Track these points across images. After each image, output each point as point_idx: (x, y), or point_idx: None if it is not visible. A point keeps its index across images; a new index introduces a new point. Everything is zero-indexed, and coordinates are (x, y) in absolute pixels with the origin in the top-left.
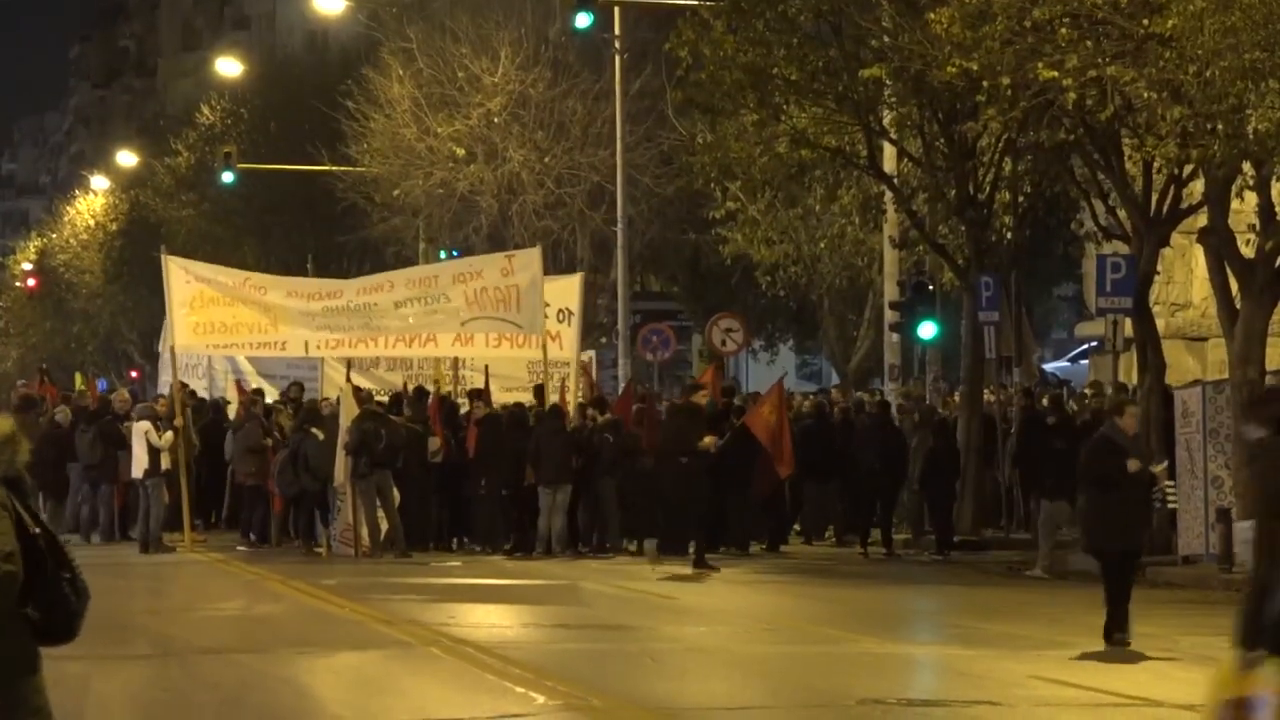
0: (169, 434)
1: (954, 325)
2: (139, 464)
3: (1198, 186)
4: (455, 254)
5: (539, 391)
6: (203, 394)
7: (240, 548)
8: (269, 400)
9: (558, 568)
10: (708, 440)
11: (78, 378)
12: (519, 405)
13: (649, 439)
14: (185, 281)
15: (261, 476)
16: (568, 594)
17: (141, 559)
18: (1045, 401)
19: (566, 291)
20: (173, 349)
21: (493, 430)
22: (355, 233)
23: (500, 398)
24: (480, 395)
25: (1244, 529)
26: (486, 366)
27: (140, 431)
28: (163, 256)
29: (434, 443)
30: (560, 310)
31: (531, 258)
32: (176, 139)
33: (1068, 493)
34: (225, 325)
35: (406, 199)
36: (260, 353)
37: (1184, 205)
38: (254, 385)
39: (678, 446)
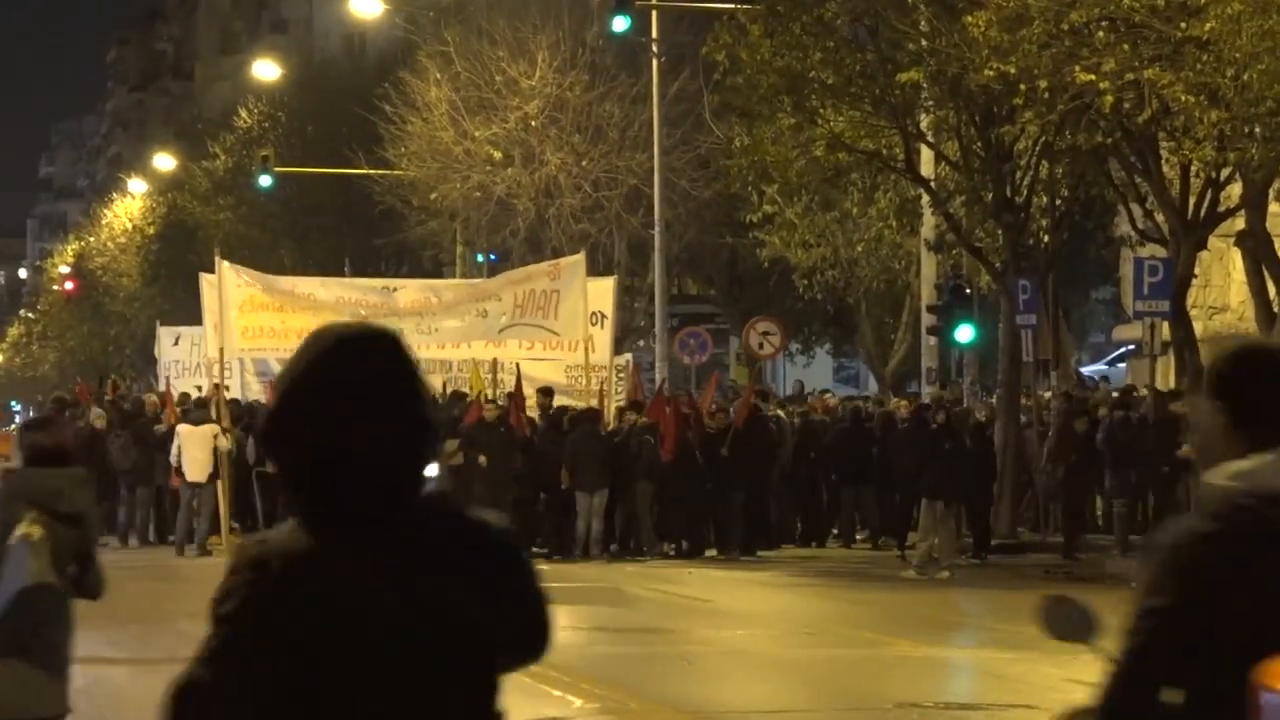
0: (225, 438)
1: (991, 328)
2: (202, 468)
3: (1235, 190)
4: (493, 257)
5: (601, 398)
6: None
7: None
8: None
9: (594, 570)
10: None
11: (114, 380)
12: (561, 409)
13: (669, 444)
14: (237, 286)
15: None
16: (605, 597)
17: (180, 561)
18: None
19: (600, 294)
20: (221, 352)
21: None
22: (392, 236)
23: (537, 401)
24: (514, 398)
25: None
26: (518, 366)
27: (208, 435)
28: (217, 260)
29: (450, 445)
30: (594, 313)
31: (576, 265)
32: (214, 142)
33: (949, 493)
34: (274, 330)
35: (444, 202)
36: (282, 354)
37: (1221, 208)
38: None
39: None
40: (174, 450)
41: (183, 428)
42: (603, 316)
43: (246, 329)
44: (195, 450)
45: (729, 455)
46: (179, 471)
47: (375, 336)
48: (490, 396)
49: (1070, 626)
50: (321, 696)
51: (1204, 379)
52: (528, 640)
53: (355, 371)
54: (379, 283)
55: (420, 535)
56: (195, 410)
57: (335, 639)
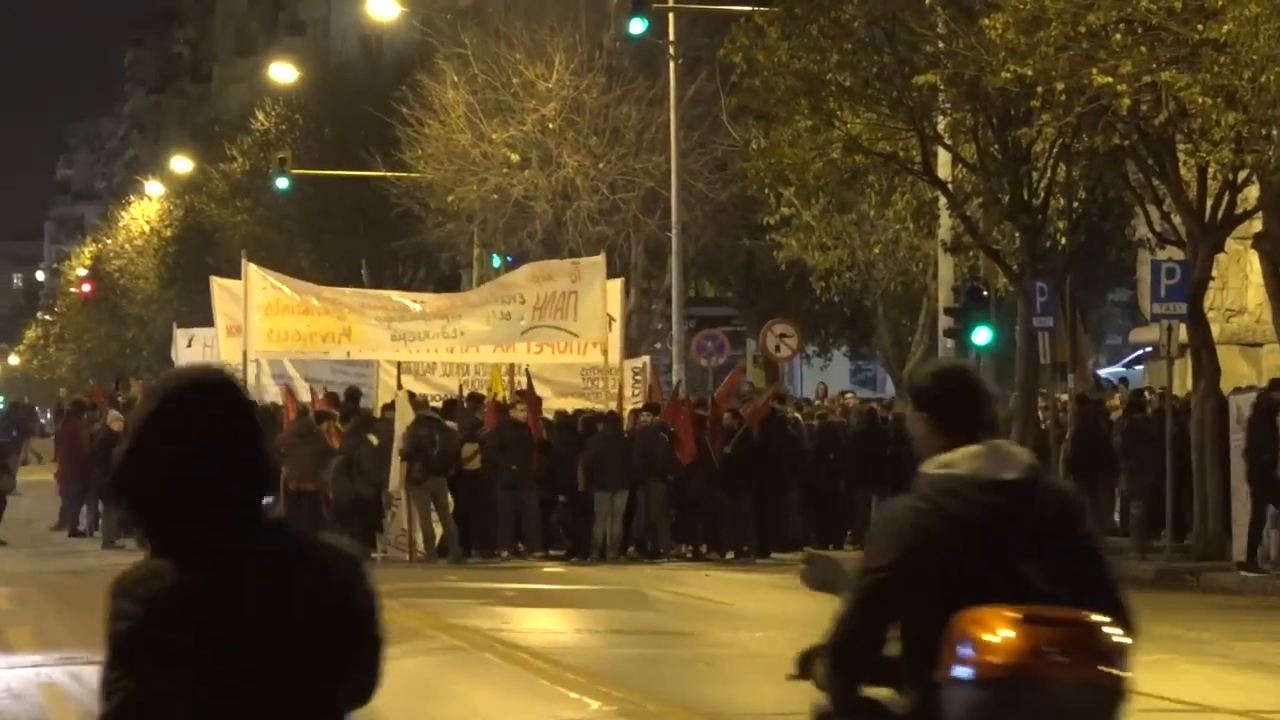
0: None
1: (1008, 331)
2: None
3: (1252, 192)
4: (509, 260)
5: (620, 399)
6: None
7: None
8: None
9: (612, 573)
10: None
11: (133, 384)
12: (578, 411)
13: (685, 446)
14: (262, 289)
15: (317, 483)
16: (622, 599)
17: None
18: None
19: (609, 297)
20: (245, 355)
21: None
22: (410, 238)
23: (553, 404)
24: (523, 397)
25: None
26: (528, 368)
27: None
28: (244, 263)
29: (469, 449)
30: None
31: (596, 266)
32: (231, 144)
33: None
34: (299, 334)
35: (461, 205)
36: (307, 356)
37: (1238, 211)
38: (301, 392)
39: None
40: None
41: None
42: (612, 320)
43: (271, 331)
44: None
45: (734, 456)
46: None
47: (217, 381)
48: (508, 399)
49: (825, 579)
50: (209, 700)
51: (908, 394)
52: (358, 648)
53: (203, 410)
54: (402, 295)
55: (273, 554)
56: None
57: (208, 651)
